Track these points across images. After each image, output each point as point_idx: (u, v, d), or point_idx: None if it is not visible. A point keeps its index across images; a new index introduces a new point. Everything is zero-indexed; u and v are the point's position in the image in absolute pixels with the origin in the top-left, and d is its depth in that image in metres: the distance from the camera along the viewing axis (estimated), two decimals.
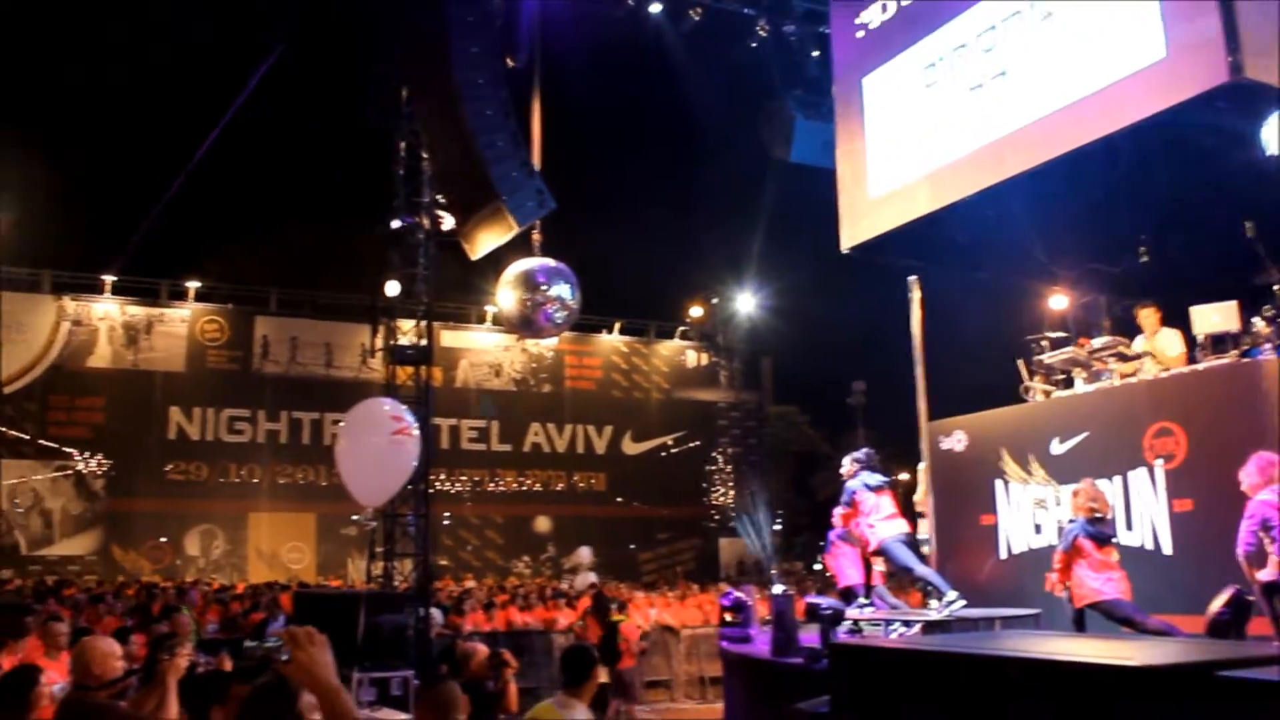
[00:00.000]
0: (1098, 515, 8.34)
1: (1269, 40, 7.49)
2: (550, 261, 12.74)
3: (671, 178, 37.36)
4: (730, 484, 35.45)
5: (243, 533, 29.58)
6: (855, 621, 9.58)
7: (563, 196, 12.64)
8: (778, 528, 39.32)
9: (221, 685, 4.64)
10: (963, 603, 9.34)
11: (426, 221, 13.95)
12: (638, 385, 34.78)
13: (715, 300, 36.05)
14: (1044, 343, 11.00)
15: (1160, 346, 10.00)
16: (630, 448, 34.16)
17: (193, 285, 30.32)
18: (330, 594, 16.29)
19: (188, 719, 4.78)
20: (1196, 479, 8.54)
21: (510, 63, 13.38)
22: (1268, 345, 8.62)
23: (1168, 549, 8.74)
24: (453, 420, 31.30)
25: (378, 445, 11.53)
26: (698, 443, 35.04)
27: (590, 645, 8.46)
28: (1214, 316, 9.01)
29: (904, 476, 14.75)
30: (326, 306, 31.45)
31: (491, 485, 32.24)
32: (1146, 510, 8.95)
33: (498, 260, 13.45)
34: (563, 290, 12.53)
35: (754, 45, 15.84)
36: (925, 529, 11.54)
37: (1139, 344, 10.23)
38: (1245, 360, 8.61)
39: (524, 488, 32.62)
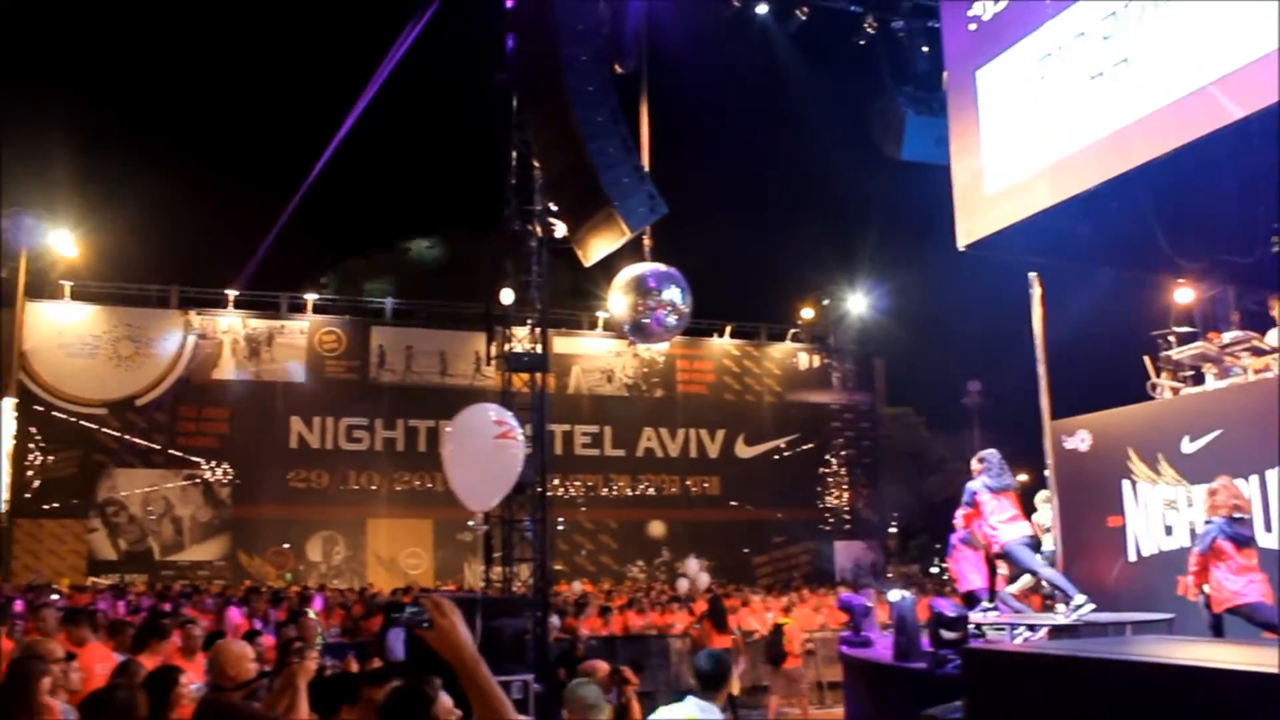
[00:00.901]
0: (1238, 516, 8.04)
1: None
2: (661, 266, 12.75)
3: (781, 179, 37.24)
4: (844, 487, 35.07)
5: (362, 538, 30.25)
6: (978, 626, 9.40)
7: (672, 200, 12.64)
8: (893, 530, 38.86)
9: (351, 687, 4.72)
10: (1091, 607, 9.09)
11: (539, 229, 14.06)
12: (749, 388, 34.65)
13: (826, 301, 35.80)
14: (1171, 338, 10.66)
15: None
16: (743, 451, 34.04)
17: (310, 298, 31.15)
18: (473, 599, 16.39)
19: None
20: None
21: (618, 69, 13.43)
22: None
23: None
24: (566, 426, 31.52)
25: (483, 450, 11.65)
26: (811, 445, 34.76)
27: (726, 650, 8.43)
28: None
29: (1022, 478, 14.42)
30: (440, 316, 32.01)
31: (605, 490, 32.41)
32: None
33: (608, 266, 13.51)
34: (674, 294, 12.53)
35: (862, 43, 15.66)
36: (1048, 541, 11.24)
37: (1272, 338, 9.85)
38: None
39: (638, 492, 32.70)
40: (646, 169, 12.53)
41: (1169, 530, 9.83)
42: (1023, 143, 10.50)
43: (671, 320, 12.63)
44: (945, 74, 12.16)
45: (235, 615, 13.87)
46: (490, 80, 14.64)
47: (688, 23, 15.18)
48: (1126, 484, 10.29)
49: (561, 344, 31.18)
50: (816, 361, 35.57)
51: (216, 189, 30.79)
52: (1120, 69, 9.15)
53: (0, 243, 28.84)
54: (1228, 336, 10.06)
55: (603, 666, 6.69)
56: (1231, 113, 8.05)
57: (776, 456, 34.45)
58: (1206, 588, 8.14)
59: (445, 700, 3.46)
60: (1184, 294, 12.25)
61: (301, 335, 30.47)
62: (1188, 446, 9.66)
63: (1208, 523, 8.24)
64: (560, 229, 13.61)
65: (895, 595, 9.92)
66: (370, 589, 24.02)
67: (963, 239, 11.28)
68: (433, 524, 30.36)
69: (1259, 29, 7.85)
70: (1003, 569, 10.74)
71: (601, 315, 31.32)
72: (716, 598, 15.80)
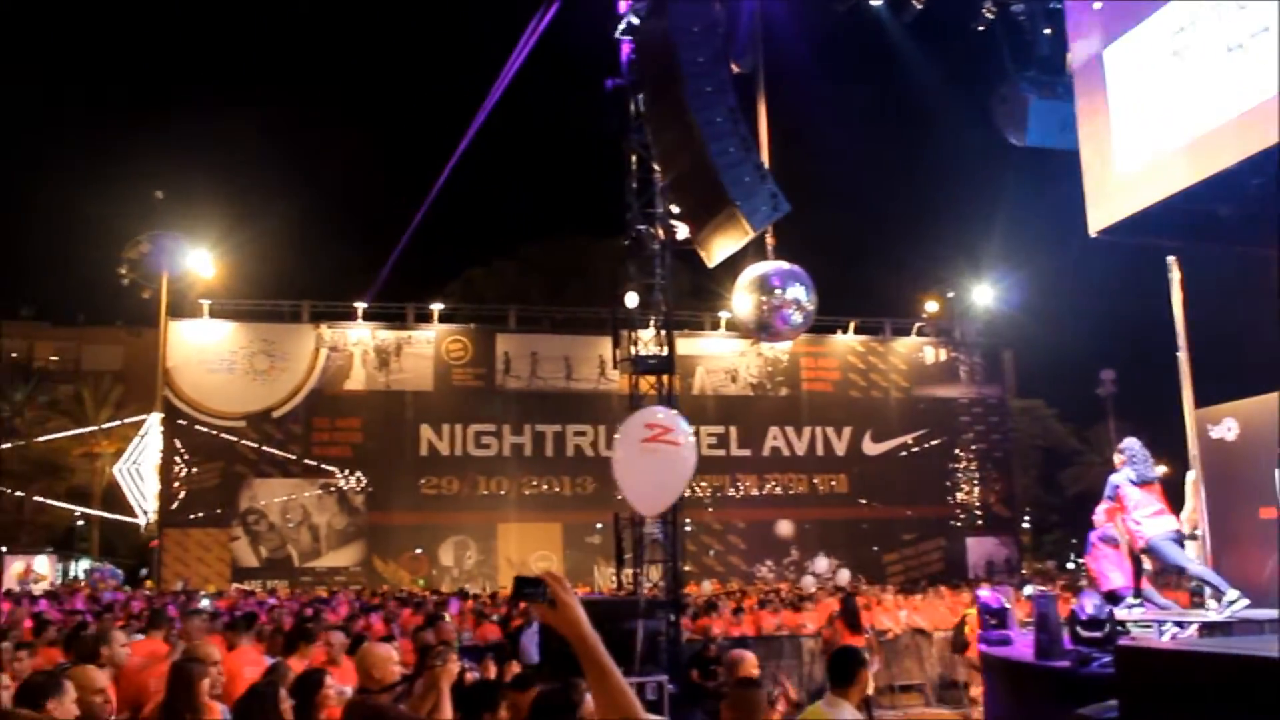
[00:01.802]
0: None
1: None
2: (785, 264, 12.66)
3: (901, 172, 36.82)
4: (975, 482, 34.42)
5: (492, 543, 30.76)
6: (1122, 623, 9.13)
7: (792, 198, 12.54)
8: (1026, 526, 38.03)
9: (494, 692, 4.78)
10: (1245, 603, 8.76)
11: (661, 232, 14.09)
12: (875, 384, 34.24)
13: (951, 294, 35.27)
14: None
15: None
16: (870, 448, 33.64)
17: (436, 308, 31.79)
18: (596, 601, 16.50)
19: None
20: None
21: (735, 68, 13.38)
22: None
23: None
24: (691, 427, 31.48)
25: (652, 454, 11.71)
26: (940, 441, 34.19)
27: (858, 647, 8.33)
28: None
29: (1162, 469, 13.96)
30: (564, 321, 32.38)
31: (732, 490, 32.35)
32: None
33: (729, 266, 13.47)
34: (798, 292, 12.43)
35: (981, 29, 15.33)
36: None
37: None
38: None
39: (764, 492, 32.56)
40: (767, 167, 12.46)
41: None
42: (1156, 122, 10.17)
43: (797, 318, 12.53)
44: (1069, 56, 11.84)
45: (377, 621, 14.20)
46: (605, 86, 14.75)
47: (803, 19, 15.07)
48: (1279, 474, 9.87)
49: (685, 345, 31.23)
50: (943, 355, 34.99)
51: (343, 206, 31.71)
52: (1260, 39, 8.79)
53: (144, 266, 30.20)
54: None
55: (749, 656, 6.66)
56: None
57: (904, 453, 33.99)
58: None
59: (590, 704, 3.48)
60: None
61: (428, 345, 31.14)
62: None
63: None
64: (682, 231, 13.62)
65: (1034, 591, 9.70)
66: (502, 592, 24.36)
67: (1095, 224, 10.96)
68: (561, 527, 30.76)
69: None
70: (1148, 565, 10.40)
71: (724, 315, 31.34)
72: (849, 597, 15.62)
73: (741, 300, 12.65)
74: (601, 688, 2.56)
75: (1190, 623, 8.95)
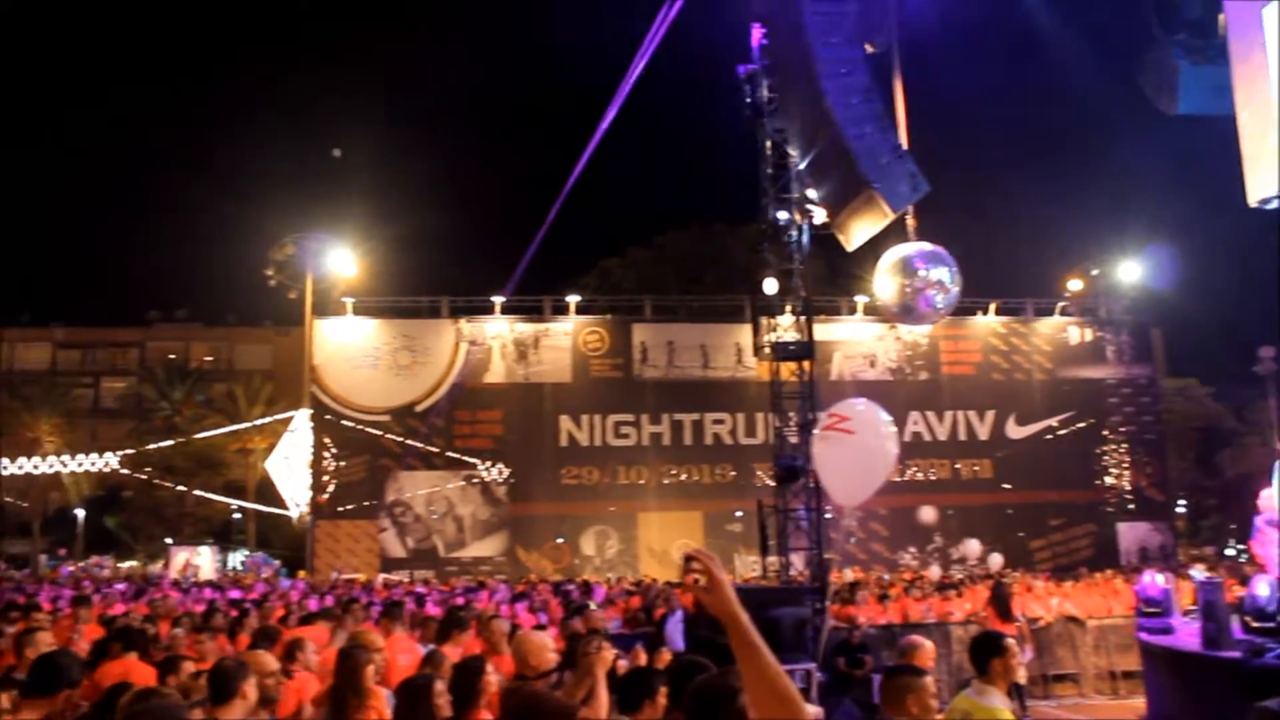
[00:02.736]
0: None
1: None
2: (927, 246, 12.44)
3: (1042, 148, 35.89)
4: (1125, 465, 33.32)
5: (633, 532, 30.99)
6: None
7: (931, 177, 12.30)
8: (1181, 510, 36.67)
9: (654, 680, 4.77)
10: None
11: (798, 216, 13.99)
12: (1018, 366, 33.42)
13: (1095, 272, 34.17)
14: None
15: None
16: (1015, 432, 32.85)
17: (573, 299, 32.12)
18: (745, 589, 16.44)
19: (618, 712, 4.95)
20: None
21: (869, 48, 13.18)
22: None
23: None
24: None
25: (855, 445, 11.68)
26: (1087, 423, 33.20)
27: (997, 632, 8.12)
28: None
29: None
30: (700, 309, 32.40)
31: None
32: None
33: (866, 249, 13.29)
34: (942, 274, 12.20)
35: None
36: None
37: None
38: None
39: (906, 478, 32.03)
40: (905, 147, 12.25)
41: None
42: None
43: (940, 300, 12.30)
44: (1222, 17, 11.33)
45: (523, 611, 14.39)
46: (736, 72, 14.68)
47: None
48: None
49: (822, 330, 30.80)
50: (1088, 335, 33.96)
51: (480, 202, 32.24)
52: None
53: (290, 267, 31.25)
54: None
55: (927, 645, 6.55)
56: None
57: (1050, 436, 33.10)
58: None
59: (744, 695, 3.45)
60: None
61: (566, 336, 31.49)
62: None
63: None
64: (820, 215, 13.49)
65: (1201, 577, 9.35)
66: (646, 580, 24.52)
67: (1255, 193, 10.48)
68: (702, 516, 30.81)
69: None
70: None
71: (860, 299, 30.96)
72: (1000, 584, 15.29)
73: (884, 283, 12.46)
74: (753, 667, 2.53)
75: None
